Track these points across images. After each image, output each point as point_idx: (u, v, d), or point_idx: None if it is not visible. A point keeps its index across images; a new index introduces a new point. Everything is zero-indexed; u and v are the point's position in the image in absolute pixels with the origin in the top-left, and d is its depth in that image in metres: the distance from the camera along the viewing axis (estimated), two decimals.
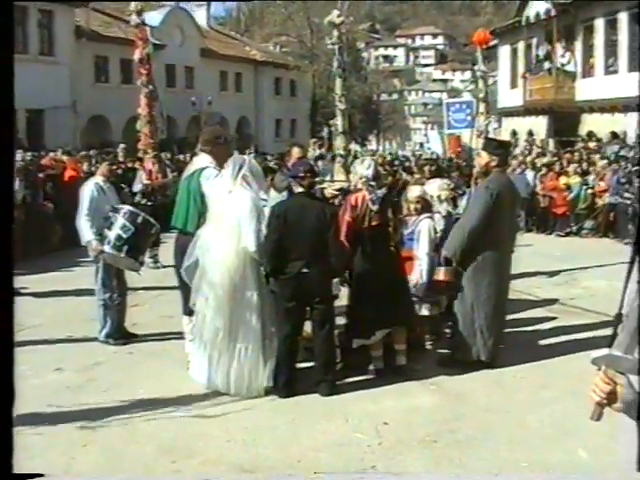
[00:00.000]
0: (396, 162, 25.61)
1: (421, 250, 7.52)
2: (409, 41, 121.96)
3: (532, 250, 14.52)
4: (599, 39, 28.69)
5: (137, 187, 13.58)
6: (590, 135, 28.26)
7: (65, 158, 17.05)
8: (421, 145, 59.11)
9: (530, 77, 32.36)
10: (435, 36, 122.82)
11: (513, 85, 35.81)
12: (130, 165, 16.87)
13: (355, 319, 6.85)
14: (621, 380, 2.52)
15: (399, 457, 5.17)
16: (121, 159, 16.11)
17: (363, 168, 6.96)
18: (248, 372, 6.34)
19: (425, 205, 7.78)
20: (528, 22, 32.54)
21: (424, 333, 7.85)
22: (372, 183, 6.78)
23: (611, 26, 27.83)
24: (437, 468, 5.03)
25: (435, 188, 8.37)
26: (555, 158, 21.60)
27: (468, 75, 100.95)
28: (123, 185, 12.55)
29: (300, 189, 6.59)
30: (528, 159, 22.09)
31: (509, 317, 7.93)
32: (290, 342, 6.45)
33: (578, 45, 30.10)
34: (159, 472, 5.02)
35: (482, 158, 7.50)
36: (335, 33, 12.67)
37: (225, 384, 6.37)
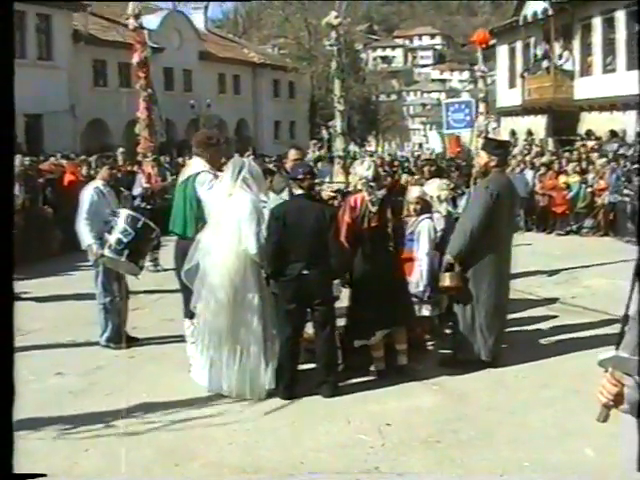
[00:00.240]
0: (395, 163, 25.59)
1: (421, 250, 7.53)
2: (407, 42, 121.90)
3: (532, 249, 14.55)
4: (597, 37, 28.69)
5: (137, 191, 13.57)
6: (589, 134, 28.26)
7: (64, 162, 17.05)
8: (420, 145, 59.08)
9: (528, 76, 32.37)
10: (433, 36, 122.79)
11: (511, 85, 35.80)
12: (129, 169, 16.86)
13: (355, 320, 6.85)
14: (628, 381, 2.51)
15: (402, 458, 5.17)
16: (120, 163, 16.11)
17: (363, 169, 6.95)
18: (250, 374, 6.34)
19: (424, 205, 7.79)
20: (526, 21, 32.56)
21: (425, 333, 7.86)
22: (372, 184, 6.78)
23: (609, 24, 27.84)
24: (440, 468, 5.03)
25: (434, 188, 8.37)
26: (554, 157, 21.59)
27: (466, 75, 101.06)
28: (122, 189, 12.54)
29: (300, 191, 6.59)
30: (527, 158, 22.09)
31: (510, 317, 7.93)
32: (291, 344, 6.44)
33: (576, 44, 30.10)
34: (161, 475, 5.02)
35: (481, 158, 7.51)
36: (333, 34, 12.66)
37: (227, 386, 6.37)
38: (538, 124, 32.54)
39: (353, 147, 32.76)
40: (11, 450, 2.59)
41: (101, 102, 30.84)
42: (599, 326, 8.26)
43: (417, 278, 7.47)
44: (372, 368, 6.90)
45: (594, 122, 28.69)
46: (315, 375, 6.57)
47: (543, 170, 19.67)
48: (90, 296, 8.57)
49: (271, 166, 14.67)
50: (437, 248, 7.61)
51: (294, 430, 5.74)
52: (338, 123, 12.81)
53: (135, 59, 14.12)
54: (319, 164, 19.09)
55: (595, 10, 28.30)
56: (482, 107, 17.91)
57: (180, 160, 23.27)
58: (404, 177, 14.05)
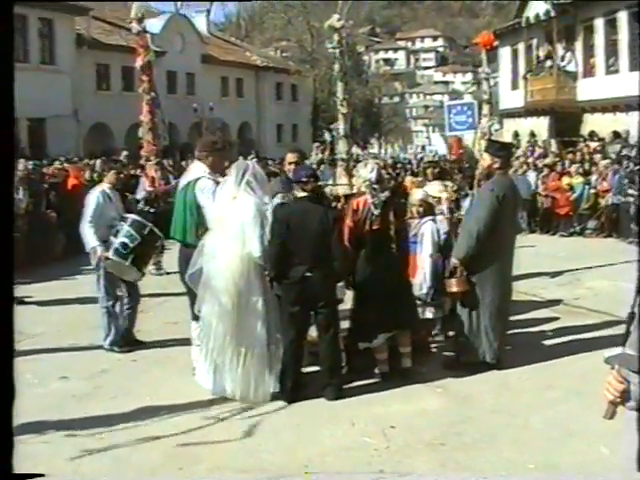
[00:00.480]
0: (398, 165, 25.64)
1: (424, 253, 7.53)
2: (409, 44, 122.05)
3: (536, 251, 14.54)
4: (599, 39, 28.66)
5: (140, 194, 13.58)
6: (592, 135, 28.23)
7: (67, 166, 17.08)
8: (423, 148, 59.11)
9: (531, 78, 32.33)
10: (435, 38, 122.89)
11: (514, 86, 35.76)
12: (132, 172, 16.88)
13: (358, 322, 6.84)
14: (633, 379, 2.52)
15: (406, 460, 5.16)
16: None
17: (366, 172, 6.95)
18: (254, 377, 6.33)
19: (427, 208, 7.79)
20: (528, 23, 32.52)
21: (429, 336, 7.86)
22: (375, 186, 6.77)
23: (611, 25, 27.81)
24: (444, 471, 5.02)
25: (434, 191, 8.39)
26: (557, 159, 21.57)
27: (469, 77, 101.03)
28: (126, 193, 12.55)
29: (303, 194, 6.58)
30: (530, 160, 22.07)
31: (514, 318, 7.94)
32: (295, 347, 6.44)
33: (578, 45, 30.08)
34: (165, 478, 5.02)
35: (485, 160, 7.51)
36: (335, 37, 12.65)
37: (231, 390, 6.37)
38: (541, 125, 32.52)
39: (356, 150, 32.80)
40: (11, 450, 2.59)
41: (104, 106, 30.89)
42: (603, 327, 8.25)
43: (420, 280, 7.47)
44: (376, 371, 6.90)
45: (597, 123, 28.67)
46: (319, 378, 6.57)
47: (546, 171, 19.65)
48: (94, 300, 8.58)
49: (272, 169, 14.69)
50: (440, 251, 7.61)
51: (298, 433, 5.73)
52: (341, 126, 12.80)
53: (138, 63, 14.11)
54: (322, 167, 19.10)
55: (597, 11, 28.28)
56: (486, 109, 17.87)
57: (183, 163, 23.29)
58: (408, 179, 14.02)
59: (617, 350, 2.55)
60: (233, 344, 6.32)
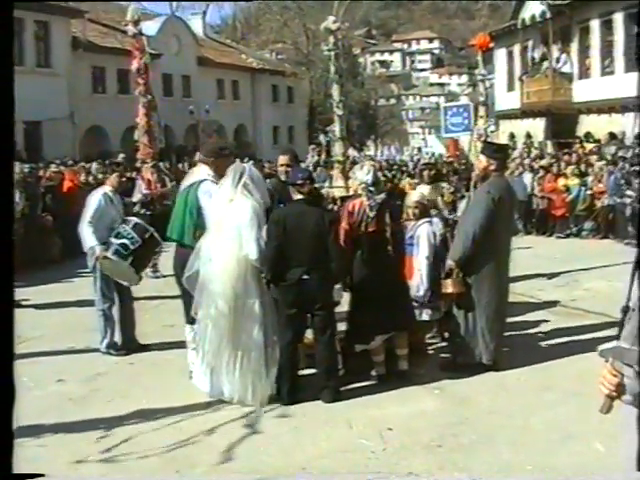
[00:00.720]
0: (394, 167, 25.66)
1: (421, 254, 7.53)
2: (405, 46, 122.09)
3: (532, 252, 14.55)
4: (595, 40, 28.69)
5: (136, 197, 13.58)
6: (588, 136, 28.25)
7: (63, 169, 17.06)
8: (419, 149, 59.06)
9: (527, 79, 32.36)
10: (431, 40, 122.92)
11: (510, 88, 35.80)
12: (128, 175, 16.83)
13: (355, 324, 6.84)
14: (627, 372, 2.52)
15: (403, 462, 5.16)
16: None
17: (363, 174, 6.95)
18: (251, 380, 6.32)
19: (423, 210, 7.79)
20: (524, 25, 32.54)
21: (425, 338, 7.86)
22: (371, 188, 6.78)
23: (607, 27, 27.84)
24: (441, 473, 5.02)
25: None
26: (553, 160, 21.59)
27: (465, 79, 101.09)
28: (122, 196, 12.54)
29: (299, 196, 6.58)
30: (526, 161, 22.08)
31: (511, 320, 7.93)
32: (292, 349, 6.44)
33: (574, 46, 30.11)
34: None
35: (481, 162, 7.51)
36: (331, 39, 12.66)
37: (228, 392, 6.36)
38: (537, 127, 32.56)
39: (352, 151, 32.80)
40: (11, 450, 2.59)
41: (100, 109, 30.84)
42: (600, 329, 8.25)
43: (417, 282, 7.47)
44: (373, 373, 6.90)
45: (593, 125, 28.70)
46: (316, 380, 6.56)
47: (542, 173, 19.66)
48: (90, 303, 8.56)
49: (269, 171, 14.68)
50: (436, 253, 7.61)
51: (295, 435, 5.73)
52: (337, 128, 12.80)
53: (134, 66, 14.13)
54: (318, 169, 19.11)
55: (593, 12, 28.31)
56: (482, 111, 17.91)
57: (179, 166, 23.28)
58: (406, 181, 14.00)
59: (611, 343, 2.55)
60: (230, 347, 6.31)
